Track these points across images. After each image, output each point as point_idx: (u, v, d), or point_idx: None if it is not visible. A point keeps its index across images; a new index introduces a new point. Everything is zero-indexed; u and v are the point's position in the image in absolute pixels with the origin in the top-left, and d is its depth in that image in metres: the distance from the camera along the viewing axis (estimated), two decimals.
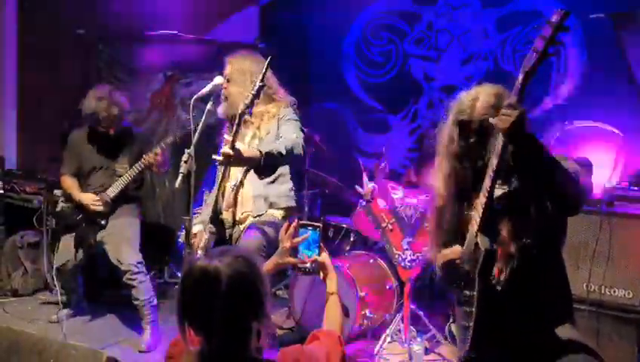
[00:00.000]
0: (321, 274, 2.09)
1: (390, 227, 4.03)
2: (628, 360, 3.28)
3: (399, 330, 4.06)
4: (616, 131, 4.58)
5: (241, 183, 3.21)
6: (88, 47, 5.41)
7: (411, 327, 4.05)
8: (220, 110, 3.24)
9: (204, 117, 2.98)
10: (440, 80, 5.65)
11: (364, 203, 4.22)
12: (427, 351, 4.02)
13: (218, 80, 3.07)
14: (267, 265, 2.07)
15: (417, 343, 4.00)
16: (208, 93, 3.06)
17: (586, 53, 4.85)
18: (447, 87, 5.61)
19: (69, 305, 4.28)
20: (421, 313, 4.10)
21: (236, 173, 3.19)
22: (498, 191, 1.97)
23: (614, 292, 3.37)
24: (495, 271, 1.93)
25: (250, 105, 2.79)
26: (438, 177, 2.26)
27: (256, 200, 3.21)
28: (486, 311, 1.91)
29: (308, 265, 2.09)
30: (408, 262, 3.97)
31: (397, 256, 4.01)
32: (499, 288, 1.92)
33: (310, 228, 2.12)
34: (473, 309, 1.91)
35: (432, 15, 5.67)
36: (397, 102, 5.83)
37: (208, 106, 3.02)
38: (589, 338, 3.27)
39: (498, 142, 1.88)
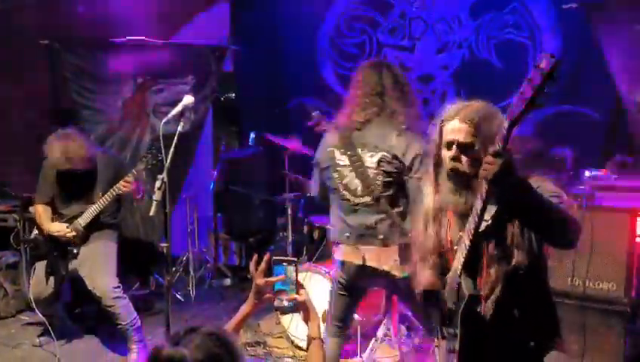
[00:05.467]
0: (302, 314, 1.94)
1: None
2: (615, 352, 3.31)
3: (389, 330, 4.06)
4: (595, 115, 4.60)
5: None
6: (54, 57, 5.24)
7: (401, 327, 4.05)
8: None
9: (175, 139, 2.91)
10: (416, 70, 5.58)
11: None
12: (417, 350, 4.03)
13: (187, 100, 2.98)
14: (246, 309, 1.96)
15: (407, 344, 4.01)
16: (179, 113, 2.98)
17: (560, 40, 4.81)
18: (424, 76, 5.55)
19: (54, 328, 4.19)
20: (409, 313, 4.09)
21: None
22: (482, 225, 1.92)
23: (599, 285, 3.38)
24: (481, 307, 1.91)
25: None
26: (426, 190, 2.20)
27: None
28: (470, 353, 1.89)
29: (285, 303, 1.92)
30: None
31: None
32: (485, 318, 1.90)
33: (285, 263, 1.93)
34: (456, 346, 1.89)
35: (404, 4, 5.58)
36: None
37: (179, 128, 2.94)
38: (576, 332, 3.32)
39: (482, 186, 1.82)
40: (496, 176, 1.71)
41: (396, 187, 2.82)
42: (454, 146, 1.97)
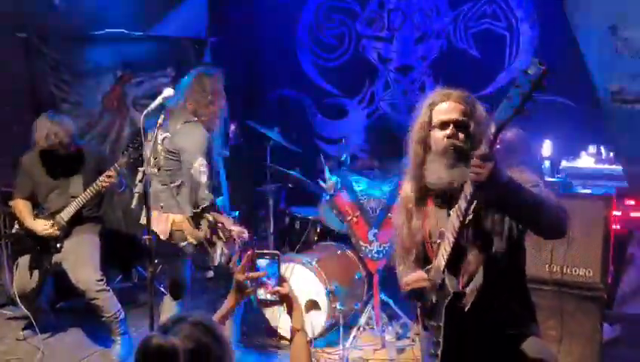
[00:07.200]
0: (285, 306, 1.94)
1: (355, 220, 4.04)
2: (592, 337, 3.38)
3: (371, 318, 4.11)
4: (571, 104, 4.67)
5: None
6: (32, 50, 5.16)
7: (382, 315, 4.11)
8: None
9: (156, 132, 2.91)
10: (395, 60, 5.60)
11: (327, 197, 4.22)
12: (399, 337, 4.09)
13: (167, 92, 2.97)
14: (230, 302, 1.97)
15: (389, 331, 4.06)
16: (159, 106, 2.97)
17: (537, 29, 4.87)
18: (403, 67, 5.57)
19: (37, 322, 4.17)
20: (390, 301, 4.15)
21: None
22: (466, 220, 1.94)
23: (575, 271, 3.45)
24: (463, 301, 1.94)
25: None
26: (407, 179, 2.23)
27: None
28: (453, 345, 1.93)
29: (269, 296, 1.94)
30: (375, 253, 4.01)
31: (364, 249, 4.04)
32: (466, 309, 1.93)
33: (267, 257, 1.95)
34: (440, 340, 1.93)
35: None
36: (353, 85, 5.78)
37: (159, 120, 2.94)
38: (554, 318, 3.39)
39: (467, 186, 1.84)
40: (484, 181, 1.74)
41: (174, 165, 3.41)
42: (451, 125, 2.01)
